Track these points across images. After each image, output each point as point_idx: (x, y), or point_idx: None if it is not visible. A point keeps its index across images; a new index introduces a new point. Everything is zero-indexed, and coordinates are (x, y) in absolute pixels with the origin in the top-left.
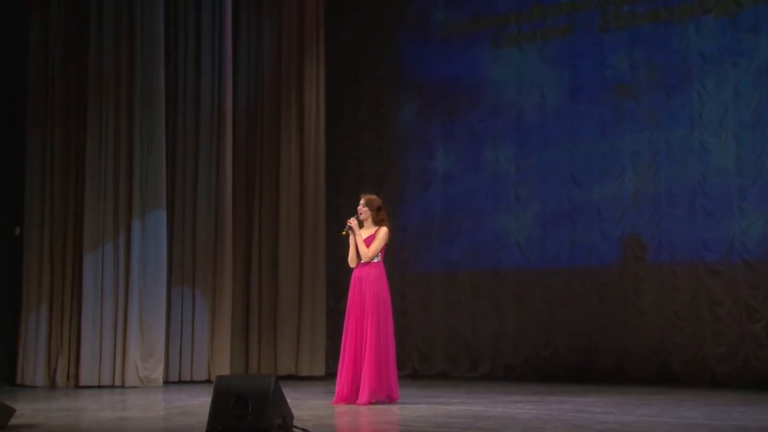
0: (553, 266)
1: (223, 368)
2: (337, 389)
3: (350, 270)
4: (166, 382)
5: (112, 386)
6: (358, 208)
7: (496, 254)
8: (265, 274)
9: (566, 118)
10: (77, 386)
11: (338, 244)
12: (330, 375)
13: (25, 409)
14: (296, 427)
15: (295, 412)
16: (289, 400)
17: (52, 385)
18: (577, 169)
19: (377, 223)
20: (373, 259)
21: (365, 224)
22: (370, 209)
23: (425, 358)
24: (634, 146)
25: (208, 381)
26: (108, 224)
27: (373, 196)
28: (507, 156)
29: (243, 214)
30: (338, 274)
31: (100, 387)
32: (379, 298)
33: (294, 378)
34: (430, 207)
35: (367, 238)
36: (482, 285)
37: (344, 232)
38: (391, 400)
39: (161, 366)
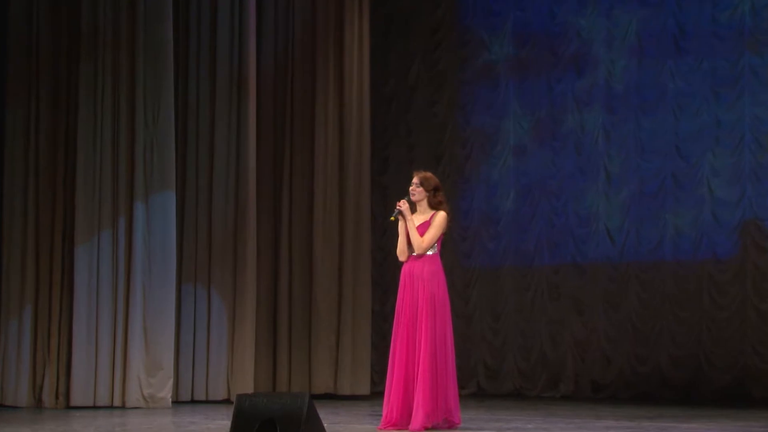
0: (653, 259)
1: (246, 385)
2: (384, 411)
3: (399, 265)
4: (176, 402)
5: (111, 407)
6: (410, 188)
7: (580, 245)
8: (296, 271)
9: (670, 76)
10: (68, 407)
11: (385, 232)
12: (376, 394)
13: None
14: None
15: None
16: (326, 425)
17: (37, 405)
18: (683, 138)
19: (433, 206)
20: (427, 250)
21: (418, 208)
22: (425, 189)
23: (493, 373)
24: (756, 110)
25: (227, 401)
26: (105, 209)
27: (429, 174)
28: (594, 122)
29: (269, 196)
30: (385, 269)
31: (95, 408)
32: (435, 300)
33: (332, 397)
34: (499, 186)
35: (420, 225)
36: (563, 283)
37: (392, 218)
38: (450, 425)
39: (170, 382)
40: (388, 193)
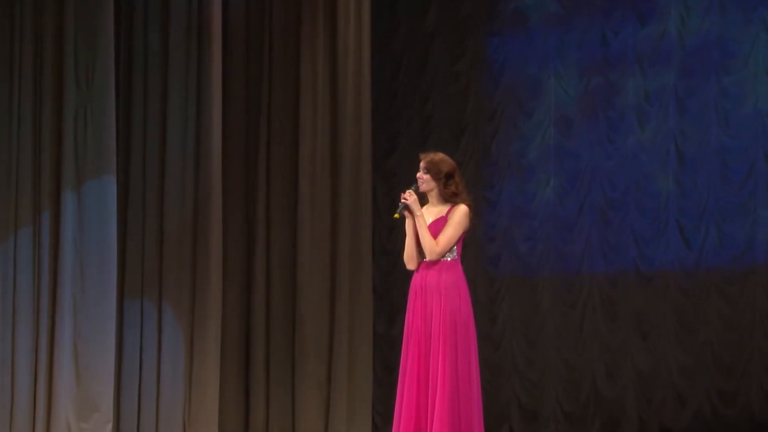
0: (740, 267)
1: (209, 429)
2: None
3: (408, 274)
4: None
5: None
6: (418, 174)
7: (644, 247)
8: (275, 282)
9: (763, 25)
10: None
11: (392, 232)
12: None
13: None
14: None
15: None
16: None
17: None
18: None
19: (449, 198)
20: (443, 255)
21: (430, 200)
22: (435, 177)
23: (530, 415)
24: None
25: None
26: (24, 201)
27: (439, 156)
28: (663, 87)
29: (240, 184)
30: (392, 281)
31: None
32: (455, 319)
33: None
34: (536, 171)
35: (434, 223)
36: (622, 298)
37: (397, 214)
38: None
39: (109, 426)
40: (395, 181)
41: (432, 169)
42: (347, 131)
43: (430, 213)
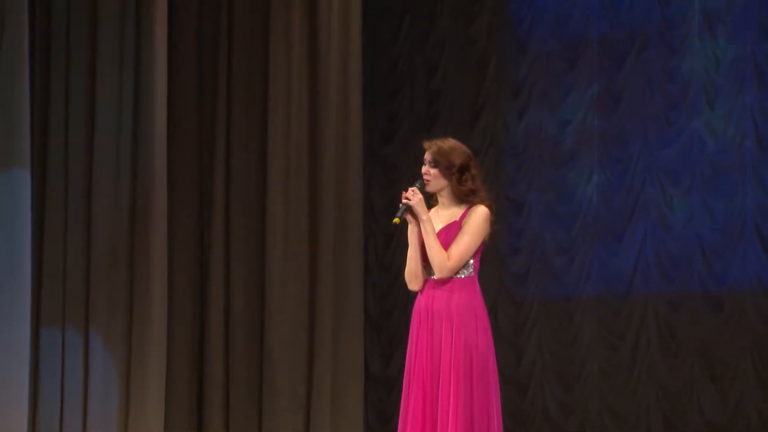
0: None
1: None
2: None
3: (410, 296)
4: None
5: None
6: (424, 168)
7: (713, 261)
8: (237, 305)
9: None
10: None
11: (391, 241)
12: None
13: None
14: None
15: None
16: None
17: None
18: None
19: (464, 198)
20: (457, 271)
21: (440, 201)
22: (444, 171)
23: None
24: None
25: None
26: None
27: (449, 144)
28: (736, 54)
29: (191, 182)
30: (387, 305)
31: None
32: (470, 353)
33: None
34: (574, 163)
35: (445, 229)
36: (686, 326)
37: (397, 219)
38: None
39: None
40: (394, 176)
41: (441, 161)
42: (331, 112)
43: (439, 217)
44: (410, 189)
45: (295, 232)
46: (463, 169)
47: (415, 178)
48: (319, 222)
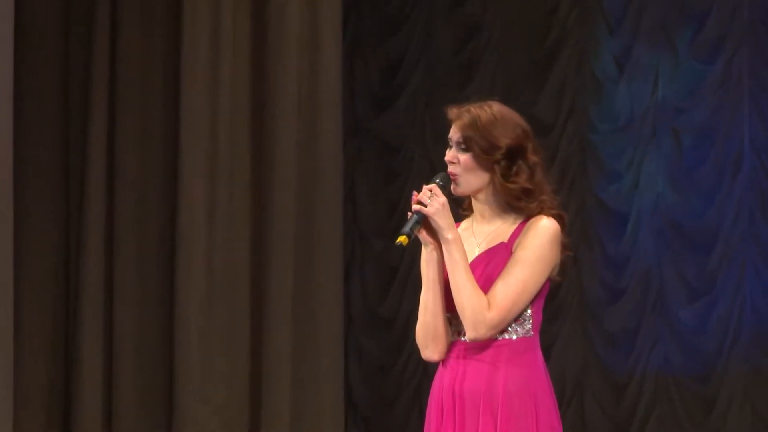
0: None
1: None
2: None
3: (428, 370)
4: None
5: None
6: (449, 154)
7: None
8: (125, 364)
9: None
10: None
11: (389, 277)
12: None
13: None
14: None
15: None
16: None
17: None
18: None
19: (515, 203)
20: (504, 328)
21: (476, 208)
22: (485, 157)
23: None
24: None
25: None
26: None
27: (496, 109)
28: None
29: (53, 174)
30: (383, 384)
31: None
32: None
33: None
34: (712, 158)
35: (484, 257)
36: None
37: (404, 237)
38: None
39: None
40: (396, 164)
41: (478, 142)
42: (288, 64)
43: (475, 236)
44: (426, 188)
45: (222, 259)
46: (515, 154)
47: (433, 170)
48: (270, 241)
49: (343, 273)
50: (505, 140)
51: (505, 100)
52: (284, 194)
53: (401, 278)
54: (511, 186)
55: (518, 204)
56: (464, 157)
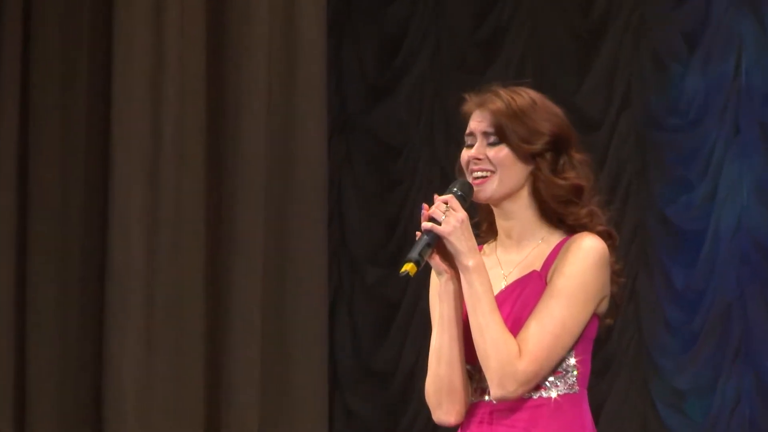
0: None
1: None
2: None
3: None
4: None
5: None
6: (472, 152)
7: None
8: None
9: None
10: None
11: (386, 316)
12: None
13: None
14: None
15: None
16: None
17: None
18: None
19: (555, 215)
20: (540, 382)
21: (502, 226)
22: (523, 150)
23: None
24: None
25: None
26: None
27: (533, 95)
28: None
29: None
30: None
31: None
32: None
33: None
34: None
35: (515, 288)
36: None
37: (410, 264)
38: None
39: None
40: (398, 168)
41: (515, 128)
42: (254, 33)
43: (502, 264)
44: (439, 200)
45: (167, 300)
46: (561, 145)
47: (444, 176)
48: (230, 272)
49: (328, 312)
50: (548, 126)
51: (537, 87)
52: (249, 210)
53: (403, 318)
54: (561, 182)
55: (565, 210)
56: (497, 151)
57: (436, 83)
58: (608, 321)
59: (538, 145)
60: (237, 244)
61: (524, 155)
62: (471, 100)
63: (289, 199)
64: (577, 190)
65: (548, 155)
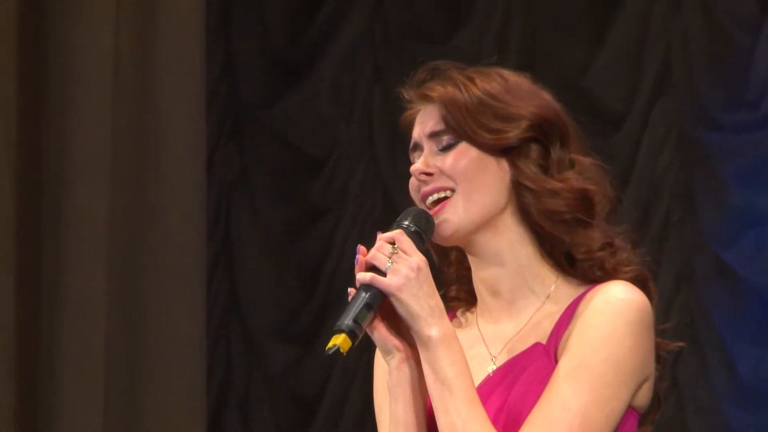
0: None
1: None
2: None
3: None
4: None
5: None
6: (417, 165)
7: None
8: None
9: None
10: None
11: (306, 415)
12: None
13: None
14: None
15: None
16: None
17: None
18: None
19: (564, 233)
20: None
21: (483, 276)
22: (492, 123)
23: None
24: None
25: None
26: None
27: (507, 76)
28: None
29: None
30: None
31: None
32: None
33: None
34: None
35: (504, 373)
36: None
37: (340, 339)
38: None
39: None
40: (312, 197)
41: (468, 123)
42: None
43: (486, 339)
44: (383, 238)
45: None
46: (548, 136)
47: (389, 200)
48: (53, 356)
49: (206, 422)
50: (526, 106)
51: (530, 65)
52: (82, 255)
53: (325, 422)
54: (556, 185)
55: (570, 235)
56: (454, 156)
57: (375, 58)
58: (652, 414)
59: (514, 133)
60: (64, 315)
61: (495, 152)
62: (408, 94)
63: (142, 249)
64: (584, 200)
65: (533, 148)
